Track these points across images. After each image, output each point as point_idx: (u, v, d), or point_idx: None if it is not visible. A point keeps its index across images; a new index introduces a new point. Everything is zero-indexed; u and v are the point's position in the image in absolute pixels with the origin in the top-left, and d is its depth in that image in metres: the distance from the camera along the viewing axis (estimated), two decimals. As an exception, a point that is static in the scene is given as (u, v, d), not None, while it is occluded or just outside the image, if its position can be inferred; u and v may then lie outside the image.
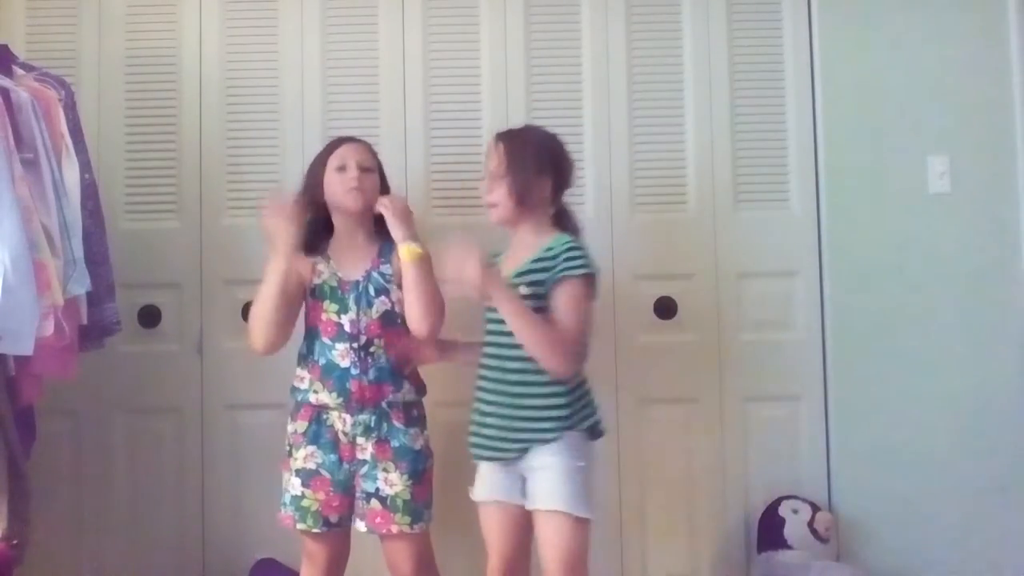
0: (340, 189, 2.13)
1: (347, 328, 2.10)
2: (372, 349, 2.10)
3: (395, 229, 2.09)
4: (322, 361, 2.10)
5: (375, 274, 2.14)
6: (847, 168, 2.64)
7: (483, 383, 2.06)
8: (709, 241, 2.64)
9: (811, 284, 2.65)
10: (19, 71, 2.14)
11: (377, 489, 2.08)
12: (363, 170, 2.13)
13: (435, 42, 2.66)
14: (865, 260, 2.63)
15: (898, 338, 2.61)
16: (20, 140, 1.97)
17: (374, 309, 2.11)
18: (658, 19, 2.69)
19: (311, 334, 2.15)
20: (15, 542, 2.02)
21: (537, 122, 2.59)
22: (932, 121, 2.66)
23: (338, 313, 2.11)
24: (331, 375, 2.09)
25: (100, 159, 2.50)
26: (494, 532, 2.05)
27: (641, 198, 2.65)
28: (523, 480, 2.00)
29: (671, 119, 2.67)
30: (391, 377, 2.11)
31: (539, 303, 1.96)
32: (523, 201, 2.03)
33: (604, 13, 2.67)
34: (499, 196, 2.05)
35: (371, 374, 2.08)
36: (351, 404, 2.08)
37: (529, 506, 1.98)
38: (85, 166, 2.25)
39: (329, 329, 2.11)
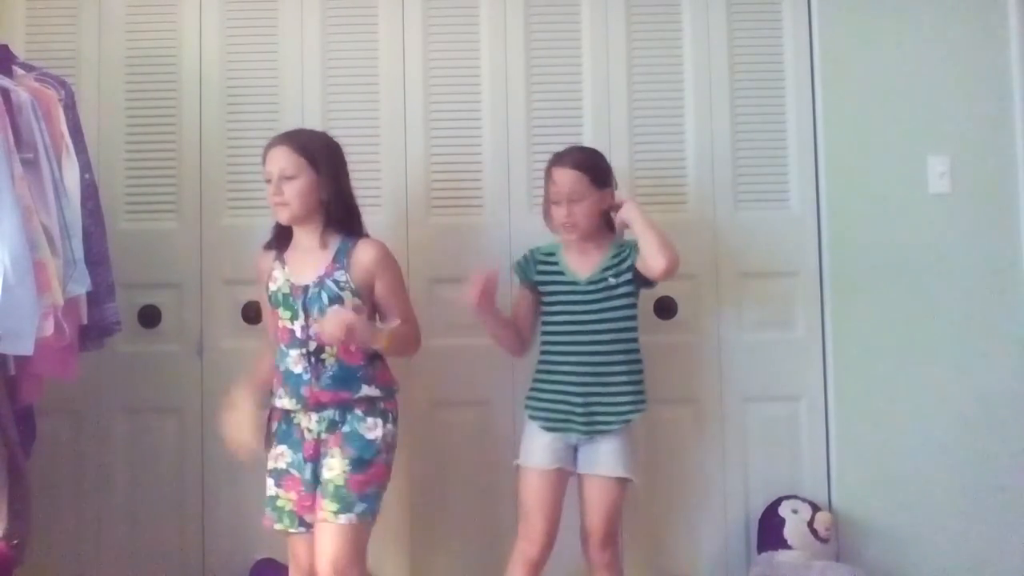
0: (272, 203, 2.12)
1: (298, 334, 2.07)
2: (323, 356, 2.06)
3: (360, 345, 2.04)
4: (282, 367, 2.10)
5: (329, 281, 2.08)
6: (847, 168, 2.64)
7: (571, 368, 2.26)
8: (709, 241, 2.64)
9: (811, 284, 2.65)
10: (19, 71, 2.14)
11: (320, 477, 2.05)
12: (285, 179, 2.08)
13: (435, 42, 2.66)
14: (865, 260, 2.63)
15: (898, 338, 2.61)
16: (20, 140, 1.96)
17: (326, 313, 2.04)
18: (658, 19, 2.69)
19: (277, 340, 2.14)
20: (15, 542, 2.02)
21: (537, 123, 2.63)
22: (932, 121, 2.66)
23: (291, 319, 2.09)
24: (288, 381, 2.08)
25: (100, 159, 2.50)
26: (551, 496, 2.25)
27: (641, 198, 2.64)
28: (576, 449, 2.26)
29: (671, 119, 2.67)
30: (346, 384, 2.06)
31: (628, 295, 2.30)
32: (608, 208, 2.31)
33: (604, 13, 2.67)
34: (579, 216, 2.26)
35: (323, 381, 2.05)
36: (308, 408, 2.07)
37: (592, 471, 2.25)
38: (85, 166, 2.25)
39: (284, 336, 2.10)
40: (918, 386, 2.60)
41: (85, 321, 2.20)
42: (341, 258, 2.10)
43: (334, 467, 2.02)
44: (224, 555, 2.52)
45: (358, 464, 2.02)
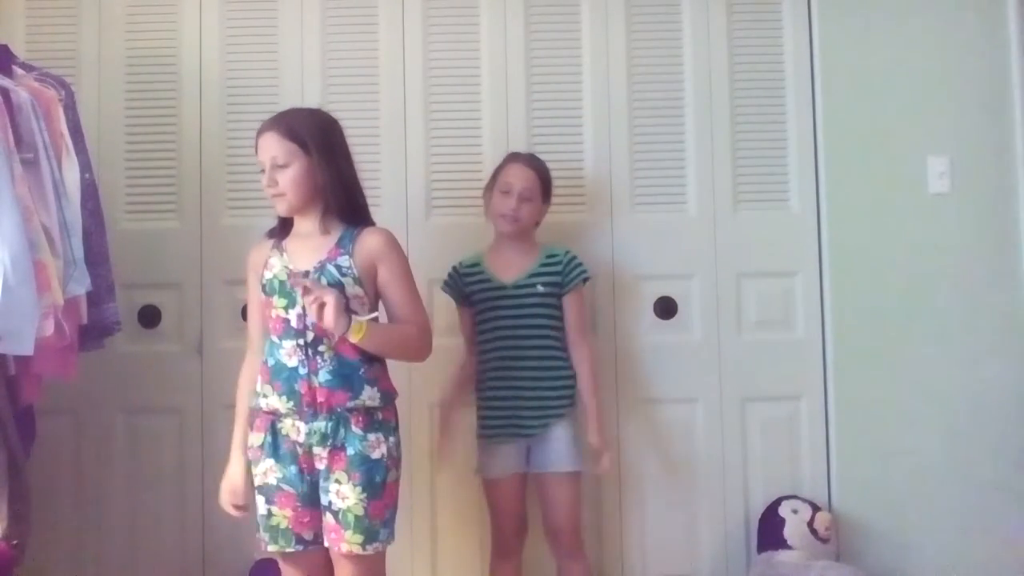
0: (268, 195, 1.99)
1: (293, 323, 1.91)
2: (321, 348, 1.90)
3: (329, 332, 1.87)
4: (271, 361, 1.94)
5: (330, 266, 1.93)
6: (847, 168, 2.64)
7: (500, 374, 2.32)
8: (709, 241, 2.65)
9: (811, 284, 2.65)
10: (19, 71, 2.14)
11: (330, 502, 1.90)
12: (278, 168, 1.94)
13: (435, 42, 2.66)
14: (865, 260, 2.63)
15: (898, 338, 2.61)
16: (20, 140, 1.96)
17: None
18: (658, 19, 2.69)
19: (266, 333, 2.00)
20: (15, 542, 2.02)
21: (537, 123, 2.64)
22: (932, 121, 2.66)
23: (286, 308, 1.93)
24: (280, 376, 1.91)
25: (100, 159, 2.50)
26: (511, 500, 2.33)
27: (641, 198, 2.65)
28: (528, 451, 2.32)
29: (671, 119, 2.67)
30: (346, 382, 1.90)
31: (553, 300, 2.36)
32: (539, 221, 2.42)
33: (604, 13, 2.67)
34: (524, 214, 2.34)
35: (321, 376, 1.89)
36: (303, 409, 1.90)
37: (544, 469, 2.30)
38: (85, 166, 2.24)
39: (277, 326, 1.94)
40: (918, 386, 2.60)
41: (85, 321, 2.20)
42: (346, 243, 1.96)
43: (347, 495, 1.88)
44: (224, 555, 2.52)
45: (371, 488, 1.90)
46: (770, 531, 2.50)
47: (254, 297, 2.07)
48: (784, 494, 2.56)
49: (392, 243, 2.01)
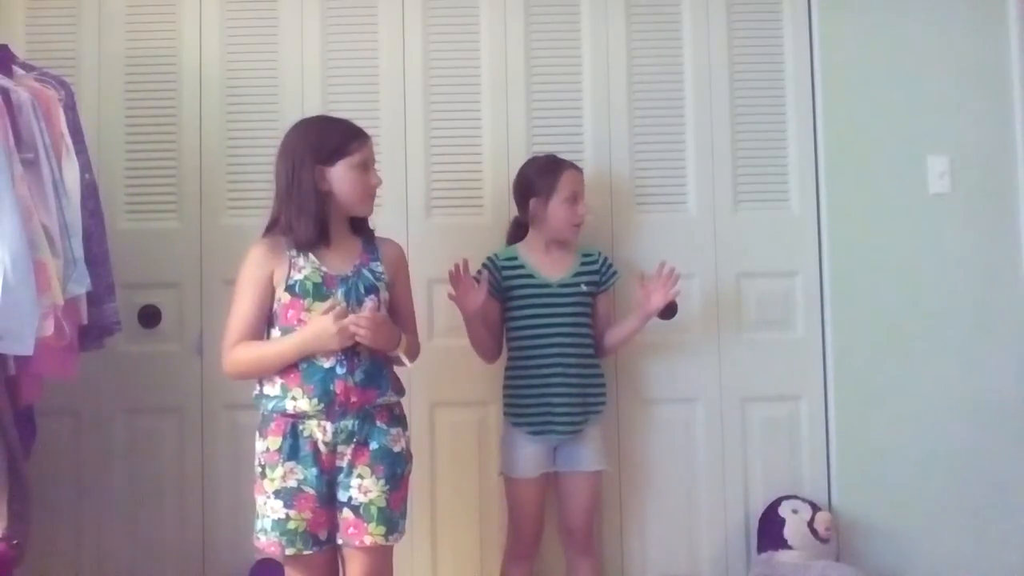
0: (362, 192, 2.04)
1: None
2: (358, 348, 1.95)
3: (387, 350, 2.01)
4: (302, 364, 1.94)
5: (365, 271, 2.02)
6: (847, 168, 2.65)
7: (544, 371, 2.31)
8: (709, 241, 2.65)
9: (811, 284, 2.65)
10: (19, 71, 2.13)
11: (350, 498, 1.94)
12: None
13: (435, 42, 2.66)
14: (865, 260, 2.63)
15: (898, 338, 2.61)
16: (20, 140, 1.96)
17: (364, 307, 1.97)
18: (658, 19, 2.69)
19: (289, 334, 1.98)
20: (15, 542, 2.02)
21: (537, 123, 2.64)
22: (932, 121, 2.66)
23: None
24: (313, 378, 1.93)
25: (100, 159, 2.50)
26: (536, 500, 2.33)
27: (641, 198, 2.65)
28: (555, 450, 2.33)
29: (671, 119, 2.67)
30: (378, 380, 1.98)
31: (589, 299, 2.40)
32: None
33: (604, 13, 2.67)
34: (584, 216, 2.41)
35: (358, 375, 1.95)
36: (333, 409, 1.93)
37: (574, 468, 2.33)
38: (85, 166, 2.24)
39: None
40: (918, 386, 2.60)
41: (85, 321, 2.19)
42: (373, 250, 2.07)
43: (370, 489, 1.94)
44: (224, 555, 2.52)
45: (392, 481, 1.97)
46: (770, 531, 2.50)
47: (256, 292, 2.03)
48: (784, 494, 2.56)
49: (404, 257, 2.17)
